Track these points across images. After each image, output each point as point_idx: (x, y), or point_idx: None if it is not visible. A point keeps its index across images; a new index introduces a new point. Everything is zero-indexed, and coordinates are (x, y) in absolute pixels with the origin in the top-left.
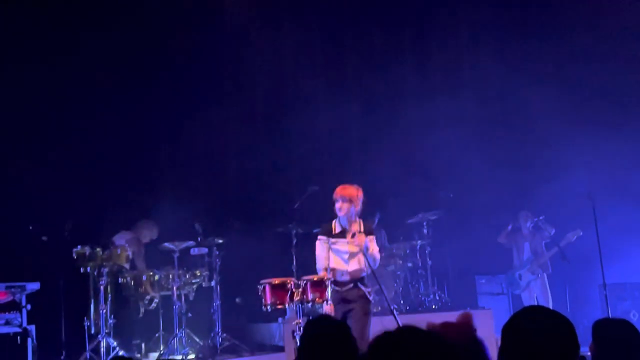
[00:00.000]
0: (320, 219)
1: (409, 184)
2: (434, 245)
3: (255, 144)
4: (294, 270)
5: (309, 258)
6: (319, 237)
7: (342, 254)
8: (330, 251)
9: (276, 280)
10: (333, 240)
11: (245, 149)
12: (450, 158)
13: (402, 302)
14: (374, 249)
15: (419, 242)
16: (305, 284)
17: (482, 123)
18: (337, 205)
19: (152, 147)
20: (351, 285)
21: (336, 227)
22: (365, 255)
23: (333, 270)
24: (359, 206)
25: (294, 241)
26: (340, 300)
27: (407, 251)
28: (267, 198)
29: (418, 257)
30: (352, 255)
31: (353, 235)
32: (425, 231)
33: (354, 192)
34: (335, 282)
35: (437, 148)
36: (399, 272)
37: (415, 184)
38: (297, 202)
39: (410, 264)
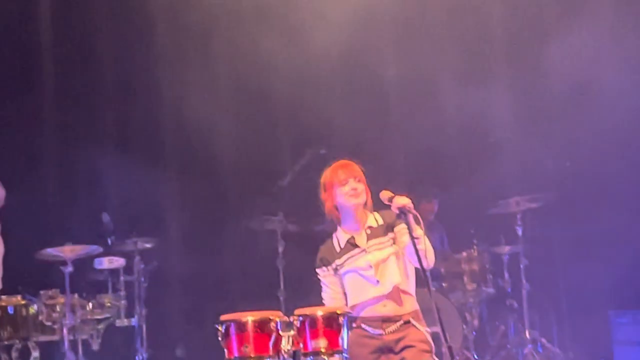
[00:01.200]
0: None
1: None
2: (536, 256)
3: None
4: (280, 298)
5: (307, 277)
6: (318, 270)
7: (363, 272)
8: (343, 281)
9: (249, 316)
10: (339, 262)
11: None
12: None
13: (475, 355)
14: (426, 243)
15: (507, 249)
16: (302, 323)
17: None
18: (345, 191)
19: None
20: (396, 322)
21: (339, 240)
22: (416, 249)
23: (355, 308)
24: (368, 193)
25: (281, 247)
26: (376, 350)
27: (487, 266)
28: (234, 169)
29: (506, 276)
30: (382, 264)
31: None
32: (519, 230)
33: (359, 168)
34: (364, 322)
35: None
36: (470, 302)
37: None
38: (287, 177)
39: (491, 289)
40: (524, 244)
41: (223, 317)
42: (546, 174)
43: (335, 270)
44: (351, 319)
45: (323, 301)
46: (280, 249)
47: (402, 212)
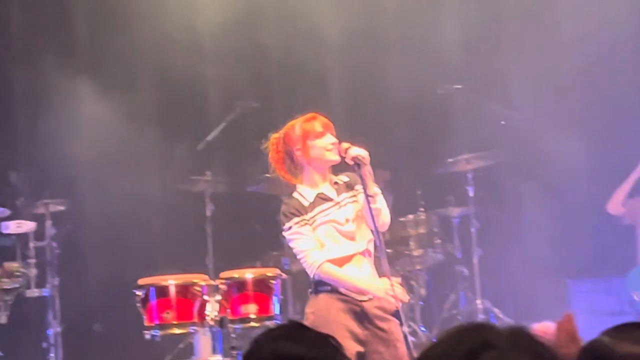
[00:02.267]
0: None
1: (429, 102)
2: (488, 219)
3: None
4: (209, 265)
5: (238, 242)
6: (289, 223)
7: (340, 227)
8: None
9: (170, 279)
10: (311, 214)
11: None
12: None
13: (422, 328)
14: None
15: (457, 211)
16: (230, 286)
17: None
18: (323, 144)
19: None
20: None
21: (305, 195)
22: (370, 208)
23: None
24: None
25: (210, 210)
26: (355, 317)
27: (435, 229)
28: (158, 125)
29: (456, 241)
30: (357, 219)
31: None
32: (470, 191)
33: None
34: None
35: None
36: (417, 270)
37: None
38: (213, 131)
39: (440, 255)
40: (476, 206)
41: (141, 281)
42: (499, 128)
43: (310, 221)
44: (318, 282)
45: (301, 253)
46: (209, 213)
47: (357, 164)
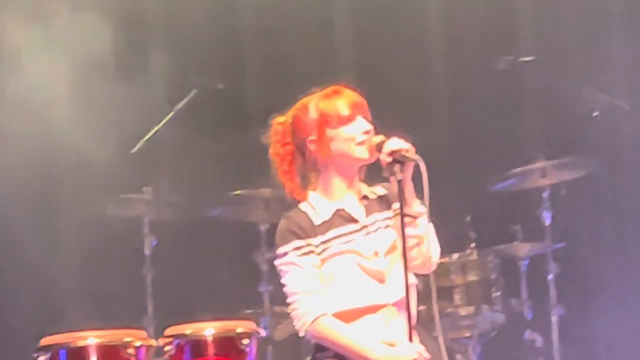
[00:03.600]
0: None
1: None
2: (573, 262)
3: None
4: (147, 309)
5: (195, 296)
6: (286, 247)
7: (367, 264)
8: (324, 271)
9: (91, 337)
10: (323, 238)
11: None
12: None
13: None
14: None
15: (526, 249)
16: (180, 348)
17: None
18: (353, 134)
19: None
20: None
21: (319, 209)
22: (403, 235)
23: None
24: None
25: (150, 243)
26: None
27: (492, 276)
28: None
29: (524, 294)
30: (392, 252)
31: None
32: (546, 218)
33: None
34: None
35: None
36: (466, 338)
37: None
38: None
39: (500, 315)
40: (554, 241)
41: (46, 341)
42: (591, 122)
43: (318, 253)
44: (318, 347)
45: (293, 296)
46: (148, 249)
47: (398, 162)
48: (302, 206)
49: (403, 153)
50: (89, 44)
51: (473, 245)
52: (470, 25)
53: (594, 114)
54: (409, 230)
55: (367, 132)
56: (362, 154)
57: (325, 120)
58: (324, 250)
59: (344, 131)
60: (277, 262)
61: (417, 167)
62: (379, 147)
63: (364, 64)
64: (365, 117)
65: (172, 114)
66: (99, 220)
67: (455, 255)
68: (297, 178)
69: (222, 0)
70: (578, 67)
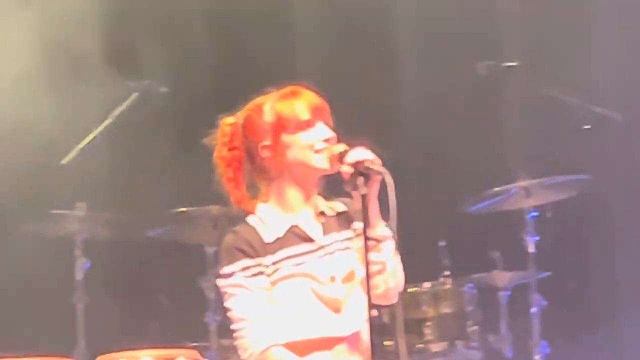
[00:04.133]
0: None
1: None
2: (559, 293)
3: None
4: (78, 341)
5: (133, 325)
6: (236, 266)
7: (322, 290)
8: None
9: None
10: (273, 259)
11: None
12: None
13: None
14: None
15: (507, 278)
16: None
17: None
18: (313, 141)
19: None
20: None
21: (270, 225)
22: (367, 262)
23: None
24: None
25: (82, 267)
26: None
27: (468, 308)
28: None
29: (503, 329)
30: (351, 280)
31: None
32: (530, 243)
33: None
34: None
35: None
36: None
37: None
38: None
39: (477, 352)
40: (539, 269)
41: None
42: (582, 135)
43: (269, 271)
44: None
45: (239, 323)
46: (80, 273)
47: (361, 174)
48: (251, 220)
49: (368, 164)
50: (14, 46)
51: (447, 273)
52: (447, 25)
53: (584, 127)
54: (371, 255)
55: (328, 140)
56: (322, 163)
57: (282, 125)
58: (274, 272)
59: (302, 138)
60: (221, 283)
61: (383, 182)
62: (340, 157)
63: (326, 65)
64: (326, 123)
65: (109, 120)
66: (24, 239)
67: (426, 285)
68: (244, 186)
69: None
70: (567, 74)
